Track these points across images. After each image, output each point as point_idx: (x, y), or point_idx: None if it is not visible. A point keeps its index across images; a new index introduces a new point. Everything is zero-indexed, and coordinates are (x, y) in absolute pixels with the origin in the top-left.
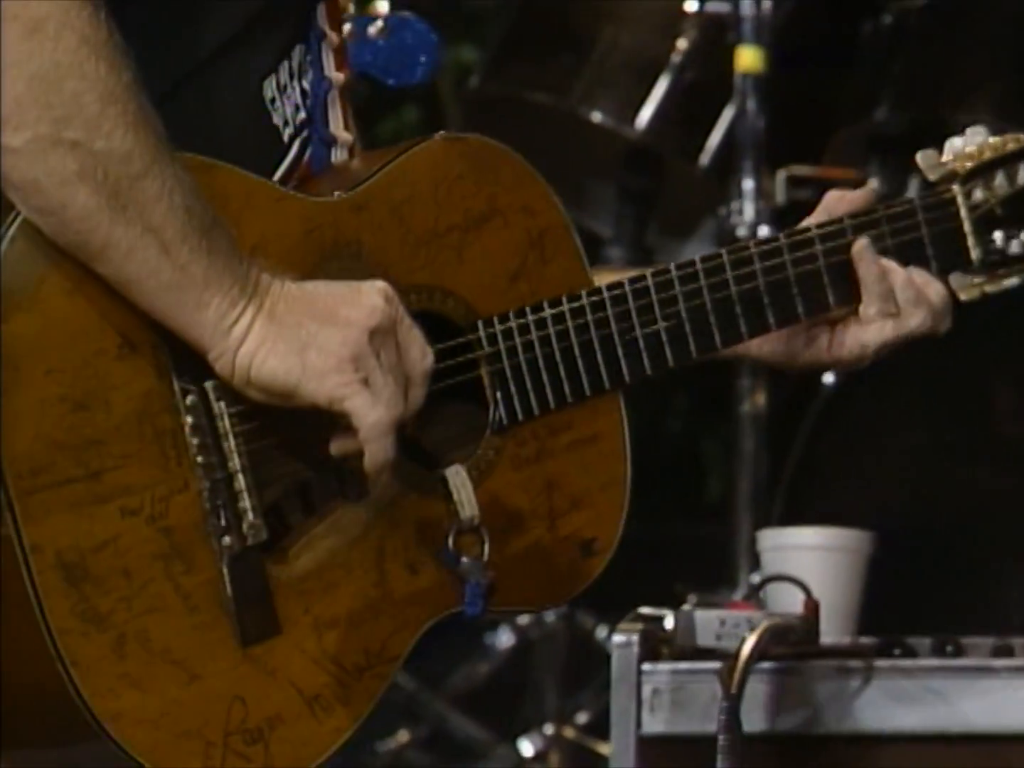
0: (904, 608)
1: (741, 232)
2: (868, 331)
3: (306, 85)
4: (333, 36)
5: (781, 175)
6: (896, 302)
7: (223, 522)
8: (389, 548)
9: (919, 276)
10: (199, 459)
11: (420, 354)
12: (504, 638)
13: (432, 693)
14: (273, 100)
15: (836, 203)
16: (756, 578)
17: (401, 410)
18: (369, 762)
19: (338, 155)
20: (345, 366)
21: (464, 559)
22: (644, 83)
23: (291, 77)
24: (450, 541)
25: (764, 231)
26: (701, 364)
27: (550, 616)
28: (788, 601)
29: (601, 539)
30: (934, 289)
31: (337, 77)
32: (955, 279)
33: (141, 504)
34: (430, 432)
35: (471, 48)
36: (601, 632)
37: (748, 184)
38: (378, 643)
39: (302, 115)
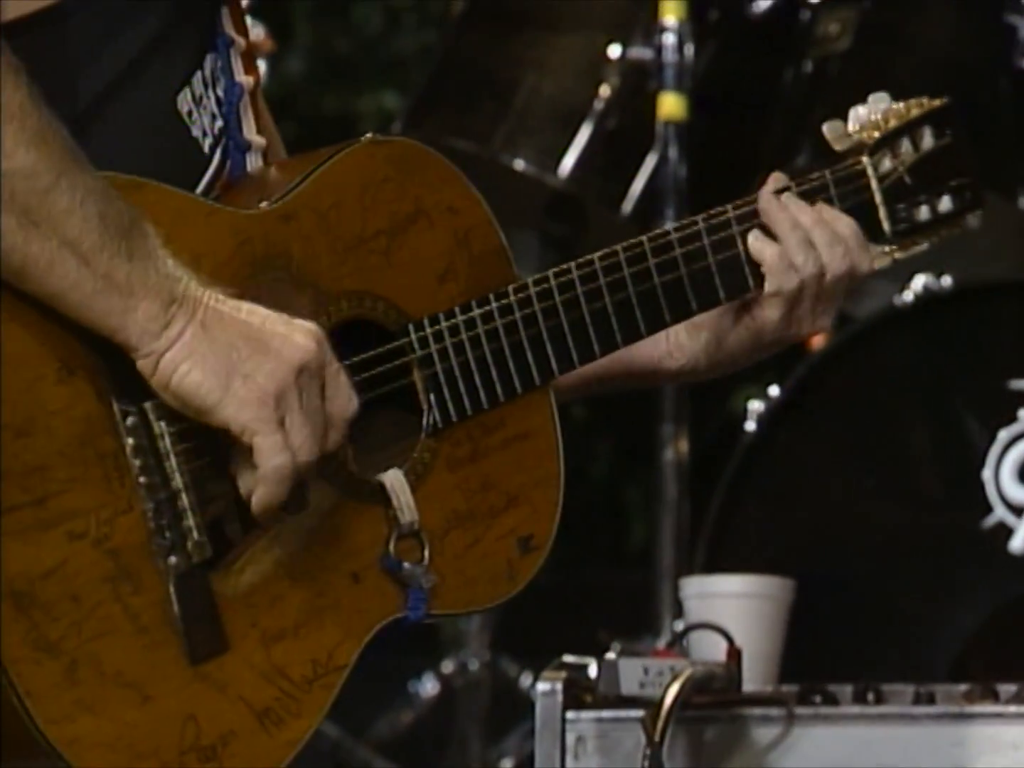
0: (826, 655)
1: None
2: (791, 281)
3: (220, 93)
4: (240, 40)
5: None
6: (814, 245)
7: (168, 541)
8: (331, 557)
9: (827, 212)
10: (142, 479)
11: (346, 399)
12: (428, 686)
13: (356, 740)
14: (190, 113)
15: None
16: (679, 626)
17: (309, 458)
18: None
19: (253, 160)
20: (268, 400)
21: (405, 564)
22: (566, 130)
23: (205, 87)
24: (391, 547)
25: None
26: (624, 409)
27: (474, 664)
28: (711, 648)
29: (538, 535)
30: (844, 223)
31: (247, 81)
32: None
33: (87, 527)
34: (365, 439)
35: (393, 95)
36: (525, 680)
37: None
38: (325, 653)
39: (219, 123)
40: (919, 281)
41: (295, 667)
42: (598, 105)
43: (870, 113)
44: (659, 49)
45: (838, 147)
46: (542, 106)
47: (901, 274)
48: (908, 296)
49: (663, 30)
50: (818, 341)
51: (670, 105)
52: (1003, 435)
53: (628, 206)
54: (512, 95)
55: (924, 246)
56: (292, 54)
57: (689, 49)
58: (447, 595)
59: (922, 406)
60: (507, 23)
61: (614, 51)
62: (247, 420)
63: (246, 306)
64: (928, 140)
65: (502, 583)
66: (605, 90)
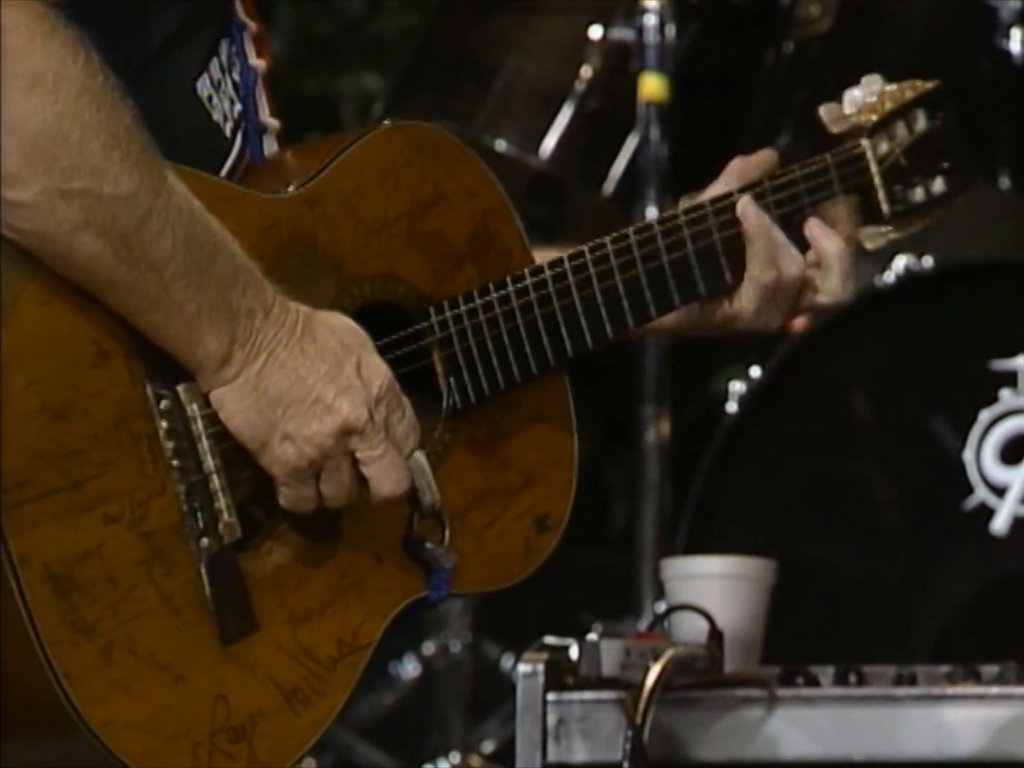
0: (807, 636)
1: None
2: (769, 275)
3: (236, 77)
4: (252, 25)
5: (684, 203)
6: (777, 264)
7: (200, 523)
8: (354, 538)
9: (816, 228)
10: (175, 462)
11: (406, 439)
12: (410, 667)
13: (337, 722)
14: (210, 98)
15: (745, 170)
16: (661, 607)
17: (336, 504)
18: None
19: (269, 143)
20: (302, 463)
21: (427, 545)
22: (548, 111)
23: (223, 72)
24: (413, 527)
25: None
26: (606, 391)
27: (455, 646)
28: (692, 630)
29: (553, 514)
30: (833, 244)
31: (260, 64)
32: (862, 230)
33: (122, 510)
34: None
35: (374, 76)
36: (506, 662)
37: (652, 212)
38: (350, 633)
39: (238, 107)
40: (900, 262)
41: (321, 647)
42: (579, 86)
43: (865, 95)
44: (640, 30)
45: (835, 129)
46: (523, 87)
47: (882, 255)
48: (890, 277)
49: (644, 11)
50: (800, 322)
51: (651, 86)
52: (984, 415)
53: (609, 187)
54: (493, 76)
55: (918, 227)
56: (274, 35)
57: (670, 30)
58: (466, 574)
59: (904, 387)
60: (489, 4)
61: (595, 32)
62: (278, 474)
63: (313, 349)
64: (922, 122)
65: (519, 562)
66: (586, 71)
